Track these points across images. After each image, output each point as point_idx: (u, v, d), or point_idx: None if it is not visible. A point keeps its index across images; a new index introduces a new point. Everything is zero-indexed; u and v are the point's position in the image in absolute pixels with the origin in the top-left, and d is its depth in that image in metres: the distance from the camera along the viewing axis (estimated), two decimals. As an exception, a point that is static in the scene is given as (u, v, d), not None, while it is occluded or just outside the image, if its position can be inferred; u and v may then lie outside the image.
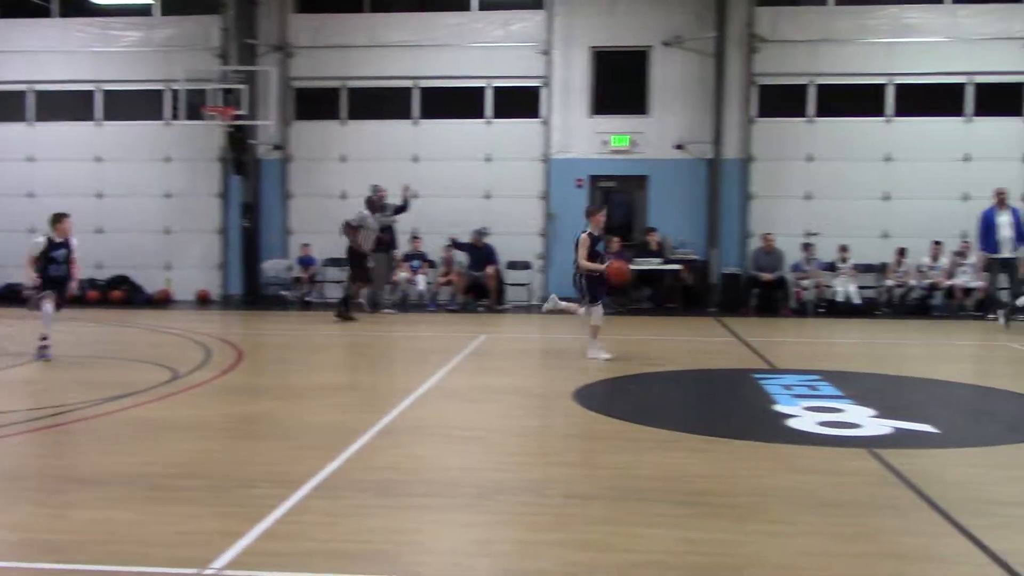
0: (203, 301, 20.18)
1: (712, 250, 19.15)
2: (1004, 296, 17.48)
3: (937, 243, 18.33)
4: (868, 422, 7.57)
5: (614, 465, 6.24)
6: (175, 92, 19.93)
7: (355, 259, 16.53)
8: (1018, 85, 19.04)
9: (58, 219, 11.30)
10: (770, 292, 18.44)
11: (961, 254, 18.10)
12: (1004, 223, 16.94)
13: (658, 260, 18.39)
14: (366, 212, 16.55)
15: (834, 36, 19.28)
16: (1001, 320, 15.56)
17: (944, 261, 18.27)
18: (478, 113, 20.09)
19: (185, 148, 20.39)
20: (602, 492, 5.55)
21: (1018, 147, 18.99)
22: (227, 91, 18.93)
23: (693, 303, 18.65)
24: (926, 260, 18.34)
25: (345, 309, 16.06)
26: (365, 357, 12.70)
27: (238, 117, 18.82)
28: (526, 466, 6.31)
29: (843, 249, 18.64)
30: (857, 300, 18.27)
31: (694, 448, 6.77)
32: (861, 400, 8.48)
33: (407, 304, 18.32)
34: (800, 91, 19.53)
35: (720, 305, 18.65)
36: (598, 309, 11.22)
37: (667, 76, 19.58)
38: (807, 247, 18.67)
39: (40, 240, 11.22)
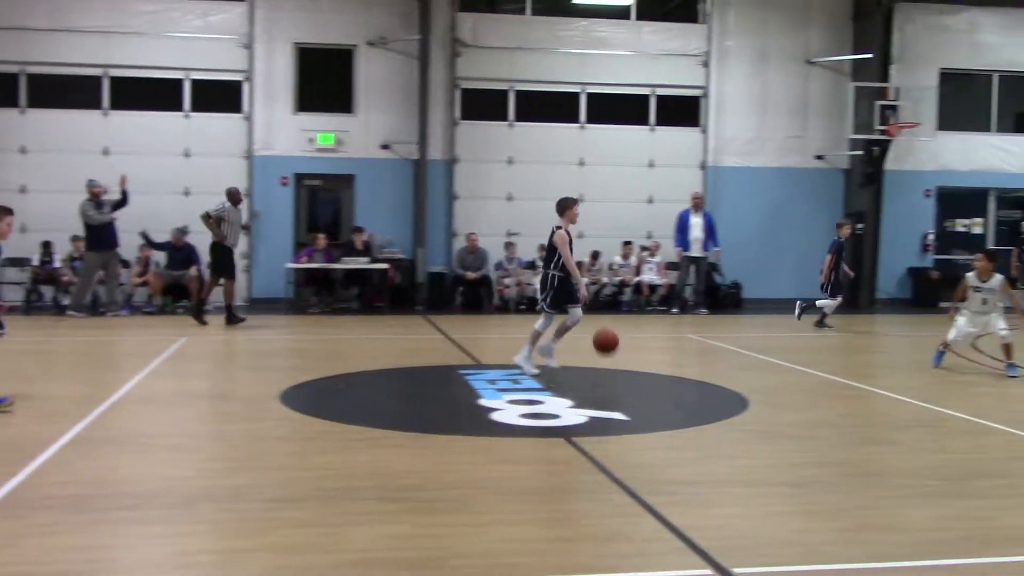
0: None
1: (418, 249, 19.40)
2: (688, 291, 19.08)
3: (627, 243, 19.61)
4: (566, 412, 7.98)
5: (321, 466, 6.19)
6: None
7: (221, 254, 15.32)
8: (695, 98, 20.76)
9: None
10: (475, 290, 18.99)
11: (648, 250, 19.46)
12: (696, 224, 18.66)
13: (365, 259, 18.37)
14: (227, 204, 15.31)
15: (531, 45, 20.09)
16: (797, 315, 15.83)
17: (633, 260, 19.58)
18: (176, 106, 19.14)
19: None
20: (309, 494, 5.49)
21: (695, 155, 20.69)
22: None
23: (400, 302, 18.80)
24: (617, 259, 19.58)
25: (230, 313, 15.29)
26: (50, 364, 11.77)
27: None
28: (229, 472, 6.12)
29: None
30: (555, 297, 19.15)
31: (402, 445, 6.85)
32: (559, 392, 8.93)
33: (97, 306, 17.16)
34: (501, 96, 20.21)
35: (427, 303, 18.94)
36: (576, 311, 9.96)
37: (372, 76, 19.62)
38: (509, 246, 19.37)
39: None
